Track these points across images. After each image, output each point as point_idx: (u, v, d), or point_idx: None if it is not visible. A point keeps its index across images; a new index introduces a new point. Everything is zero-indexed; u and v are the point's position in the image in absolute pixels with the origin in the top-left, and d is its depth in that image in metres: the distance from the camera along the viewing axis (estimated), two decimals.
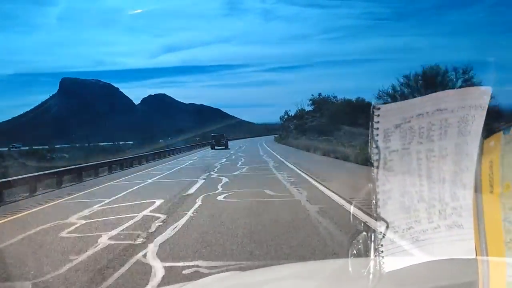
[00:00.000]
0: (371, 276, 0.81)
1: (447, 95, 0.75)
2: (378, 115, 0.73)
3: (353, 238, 0.84)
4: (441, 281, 0.89)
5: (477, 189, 0.80)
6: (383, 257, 0.79)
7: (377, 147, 0.75)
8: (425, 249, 0.81)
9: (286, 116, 61.12)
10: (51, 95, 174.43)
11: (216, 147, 39.94)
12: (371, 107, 0.73)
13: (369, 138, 0.74)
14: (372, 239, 0.79)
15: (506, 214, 0.79)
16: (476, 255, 0.82)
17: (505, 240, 0.80)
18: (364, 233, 0.81)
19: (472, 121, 0.76)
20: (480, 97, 0.75)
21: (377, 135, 0.74)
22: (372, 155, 0.75)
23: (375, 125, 0.73)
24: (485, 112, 0.76)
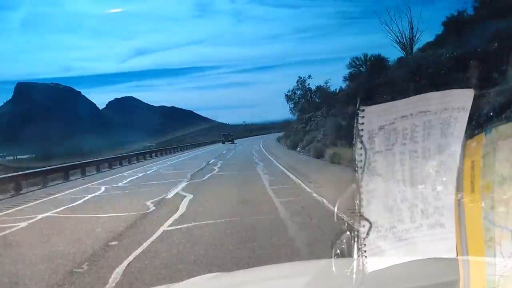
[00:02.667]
0: (354, 276, 0.82)
1: (431, 97, 0.75)
2: (363, 117, 0.73)
3: (336, 238, 0.85)
4: (423, 280, 0.91)
5: (459, 188, 0.81)
6: (366, 257, 0.79)
7: (361, 148, 0.75)
8: (407, 248, 0.81)
9: (304, 94, 30.84)
10: (4, 102, 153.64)
11: (225, 142, 53.42)
12: (356, 109, 0.73)
13: (354, 139, 0.74)
14: (355, 239, 0.80)
15: (486, 213, 0.80)
16: (457, 254, 0.83)
17: (485, 239, 0.81)
18: (348, 233, 0.82)
19: (454, 123, 0.77)
20: (462, 99, 0.76)
21: (362, 136, 0.74)
22: (356, 156, 0.76)
23: (360, 126, 0.73)
24: (467, 114, 0.77)
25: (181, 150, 43.72)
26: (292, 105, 36.19)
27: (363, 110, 0.72)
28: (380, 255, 0.80)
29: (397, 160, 0.78)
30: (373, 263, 0.79)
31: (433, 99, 0.75)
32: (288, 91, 36.32)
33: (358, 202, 0.78)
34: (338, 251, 0.86)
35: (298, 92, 34.89)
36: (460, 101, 0.76)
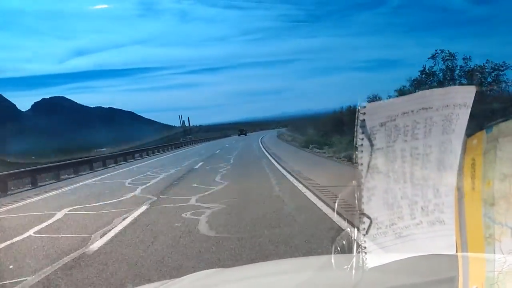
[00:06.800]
0: (354, 272, 0.82)
1: (432, 93, 0.75)
2: (364, 113, 0.73)
3: (336, 235, 0.85)
4: (423, 276, 0.91)
5: (460, 186, 0.81)
6: (366, 253, 0.79)
7: (362, 144, 0.75)
8: (407, 245, 0.82)
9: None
10: None
11: (240, 135, 70.68)
12: (357, 106, 0.72)
13: (354, 136, 0.74)
14: (355, 235, 0.80)
15: (486, 210, 0.80)
16: (457, 251, 0.84)
17: (485, 236, 0.82)
18: (348, 229, 0.82)
19: (456, 120, 0.77)
20: (464, 96, 0.76)
21: (362, 132, 0.74)
22: (357, 153, 0.75)
23: (360, 123, 0.73)
24: (469, 111, 0.77)
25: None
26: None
27: (364, 107, 0.72)
28: (379, 252, 0.80)
29: (398, 157, 0.78)
30: (373, 259, 0.80)
31: (435, 96, 0.75)
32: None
33: (358, 199, 0.78)
34: (338, 247, 0.86)
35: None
36: (461, 97, 0.75)
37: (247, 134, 79.06)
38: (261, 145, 34.73)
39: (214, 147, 38.75)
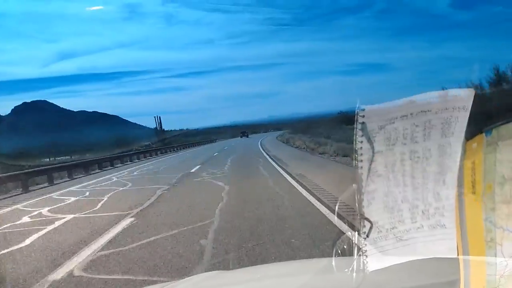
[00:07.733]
0: (354, 275, 0.82)
1: (431, 96, 0.75)
2: (363, 116, 0.73)
3: (337, 238, 0.85)
4: (424, 280, 0.91)
5: (460, 189, 0.81)
6: (366, 256, 0.79)
7: (361, 147, 0.75)
8: (408, 249, 0.82)
9: None
10: None
11: (242, 136, 75.28)
12: (356, 109, 0.73)
13: (354, 139, 0.74)
14: (356, 238, 0.80)
15: (487, 214, 0.80)
16: (458, 254, 0.83)
17: (486, 239, 0.81)
18: (349, 233, 0.82)
19: (455, 123, 0.77)
20: (463, 99, 0.76)
21: (362, 135, 0.74)
22: (356, 156, 0.76)
23: (360, 126, 0.74)
24: (468, 114, 0.77)
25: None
26: None
27: (364, 110, 0.73)
28: (380, 255, 0.80)
29: (398, 160, 0.78)
30: (374, 263, 0.80)
31: (434, 99, 0.75)
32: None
33: (358, 202, 0.78)
34: (339, 250, 0.86)
35: None
36: (460, 100, 0.76)
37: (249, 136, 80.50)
38: (288, 177, 11.67)
39: (167, 175, 15.29)
